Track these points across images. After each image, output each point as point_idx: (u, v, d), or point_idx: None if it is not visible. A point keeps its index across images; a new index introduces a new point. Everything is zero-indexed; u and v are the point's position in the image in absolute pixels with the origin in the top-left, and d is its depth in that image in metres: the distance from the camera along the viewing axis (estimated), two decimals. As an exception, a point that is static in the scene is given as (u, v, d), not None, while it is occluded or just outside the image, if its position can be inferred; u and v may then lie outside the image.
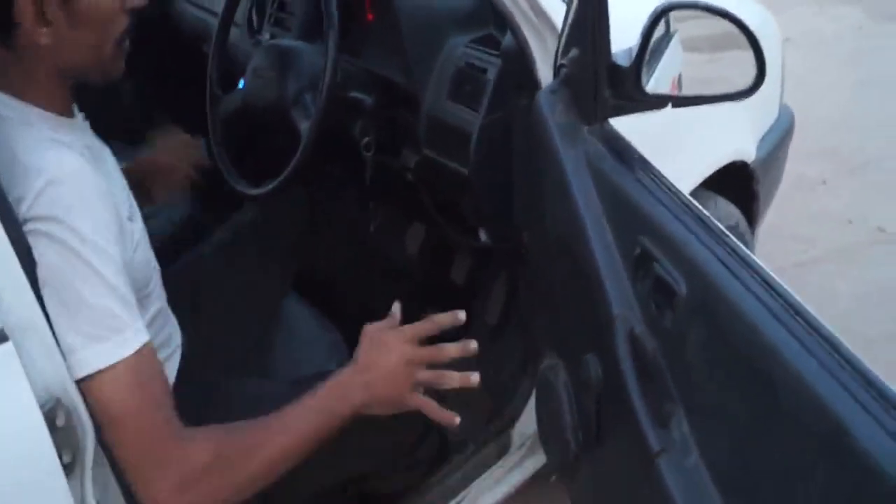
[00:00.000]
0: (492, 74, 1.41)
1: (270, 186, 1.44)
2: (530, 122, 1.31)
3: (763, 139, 2.07)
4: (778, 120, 2.17)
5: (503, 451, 1.67)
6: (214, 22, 2.00)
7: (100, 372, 0.91)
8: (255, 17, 1.81)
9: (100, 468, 0.92)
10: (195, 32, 2.16)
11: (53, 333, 0.85)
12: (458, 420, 1.15)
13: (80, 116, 1.12)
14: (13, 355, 0.81)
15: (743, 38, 1.19)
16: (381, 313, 1.20)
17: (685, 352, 1.03)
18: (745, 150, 1.96)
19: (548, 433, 1.47)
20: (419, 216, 2.01)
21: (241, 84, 1.60)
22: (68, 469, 0.86)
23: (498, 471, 1.66)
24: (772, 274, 0.96)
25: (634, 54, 1.19)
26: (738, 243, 1.03)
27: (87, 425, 0.87)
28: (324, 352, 1.55)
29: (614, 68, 1.21)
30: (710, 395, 1.03)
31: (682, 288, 1.02)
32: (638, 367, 1.11)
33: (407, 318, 1.20)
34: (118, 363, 0.92)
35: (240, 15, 1.78)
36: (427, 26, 1.50)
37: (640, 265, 1.11)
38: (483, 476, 1.64)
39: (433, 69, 1.49)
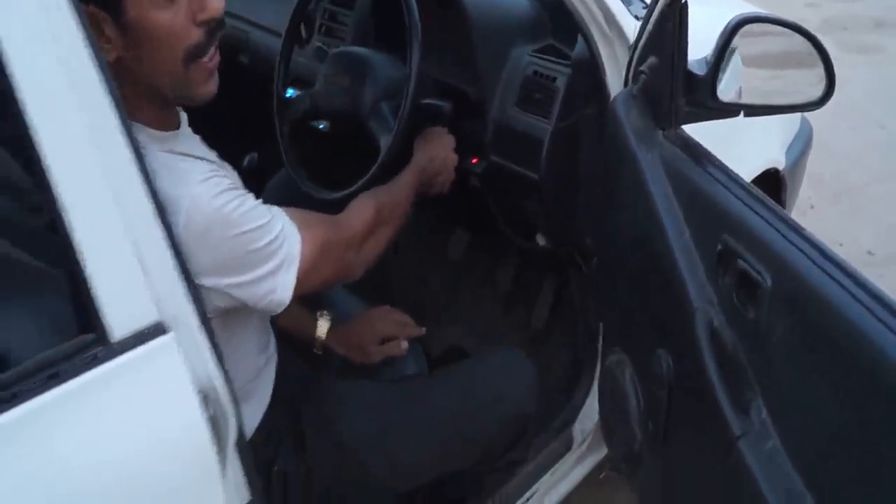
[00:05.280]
0: (561, 83, 1.47)
1: (345, 192, 1.45)
2: (604, 127, 1.36)
3: (789, 148, 2.15)
4: (800, 130, 2.25)
5: (567, 447, 1.71)
6: (251, 30, 2.03)
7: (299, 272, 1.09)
8: (303, 28, 1.83)
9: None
10: (229, 43, 2.14)
11: (204, 326, 0.88)
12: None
13: (185, 128, 1.13)
14: (174, 346, 0.84)
15: (803, 57, 1.25)
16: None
17: (768, 342, 1.08)
18: (778, 158, 2.03)
19: (612, 426, 1.52)
20: (464, 222, 2.04)
21: (289, 92, 1.61)
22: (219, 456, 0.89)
23: (563, 467, 1.70)
24: (853, 265, 1.01)
25: (710, 63, 1.25)
26: (817, 238, 1.08)
27: (228, 413, 0.90)
28: None
29: (690, 76, 1.26)
30: (794, 383, 1.07)
31: (767, 281, 1.07)
32: (717, 358, 1.16)
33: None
34: (300, 231, 1.11)
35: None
36: (495, 36, 1.54)
37: (721, 261, 1.15)
38: (550, 471, 1.68)
39: (500, 78, 1.54)
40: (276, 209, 1.09)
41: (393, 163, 1.43)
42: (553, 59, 1.51)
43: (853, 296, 0.96)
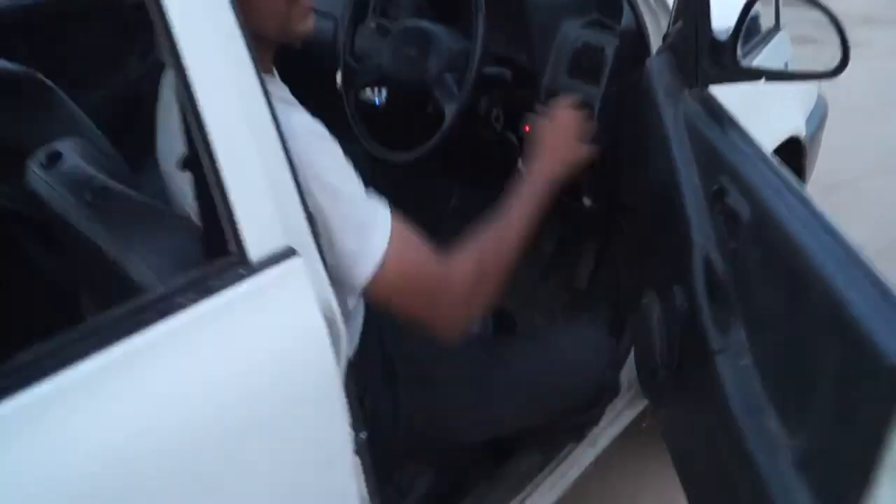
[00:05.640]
0: (609, 51, 1.62)
1: (412, 154, 1.61)
2: (641, 87, 1.53)
3: (808, 119, 2.31)
4: (817, 104, 2.41)
5: (610, 397, 1.82)
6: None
7: (383, 258, 1.12)
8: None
9: None
10: None
11: (320, 254, 1.02)
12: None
13: (275, 74, 1.22)
14: (303, 269, 0.98)
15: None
16: None
17: (745, 269, 1.25)
18: (800, 127, 2.19)
19: (641, 361, 1.69)
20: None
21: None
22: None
23: (611, 413, 1.84)
24: (813, 199, 1.18)
25: (732, 30, 1.41)
26: (792, 175, 1.25)
27: (342, 338, 1.04)
28: None
29: (714, 42, 1.43)
30: (762, 304, 1.24)
31: (746, 214, 1.24)
32: (709, 286, 1.34)
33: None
34: (391, 238, 1.12)
35: (338, 8, 1.95)
36: (547, 11, 1.70)
37: (716, 198, 1.33)
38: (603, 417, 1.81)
39: (551, 48, 1.70)
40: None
41: (455, 130, 1.57)
42: (600, 30, 1.68)
43: (804, 223, 1.14)
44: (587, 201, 1.79)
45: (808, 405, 1.10)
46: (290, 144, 0.98)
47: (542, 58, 1.71)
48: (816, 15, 1.39)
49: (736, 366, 1.25)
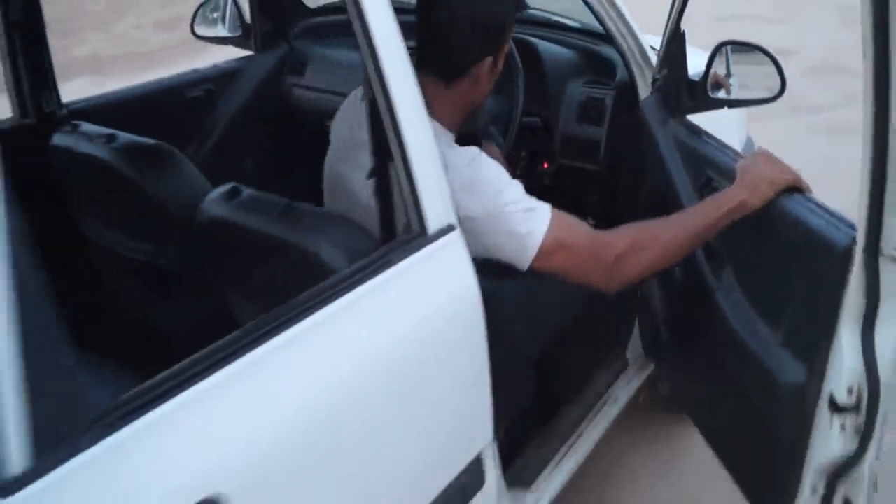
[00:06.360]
0: (608, 101, 2.16)
1: None
2: (637, 120, 2.05)
3: (745, 145, 2.88)
4: (748, 137, 2.99)
5: (622, 369, 2.32)
6: (333, 98, 2.55)
7: (548, 233, 1.47)
8: None
9: None
10: (318, 111, 2.72)
11: (460, 230, 1.44)
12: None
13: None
14: (459, 238, 1.41)
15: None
16: None
17: (729, 230, 1.65)
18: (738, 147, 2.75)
19: (645, 329, 2.18)
20: None
21: None
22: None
23: (620, 383, 2.29)
24: None
25: (702, 73, 1.95)
26: None
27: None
28: None
29: (690, 82, 1.96)
30: (743, 250, 1.71)
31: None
32: (705, 251, 1.81)
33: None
34: (551, 222, 1.47)
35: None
36: (558, 76, 2.25)
37: (704, 186, 1.82)
38: (612, 387, 2.27)
39: (562, 103, 2.23)
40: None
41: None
42: (599, 87, 2.22)
43: None
44: (591, 221, 2.21)
45: (785, 306, 1.56)
46: (457, 165, 1.46)
47: (556, 110, 2.23)
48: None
49: (729, 297, 1.72)
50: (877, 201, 1.27)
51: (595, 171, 2.21)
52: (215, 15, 3.02)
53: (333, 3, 3.12)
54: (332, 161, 1.74)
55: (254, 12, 2.90)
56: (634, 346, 2.33)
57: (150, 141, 1.97)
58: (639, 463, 2.60)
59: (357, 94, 1.73)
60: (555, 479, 1.97)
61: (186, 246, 1.78)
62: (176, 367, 1.03)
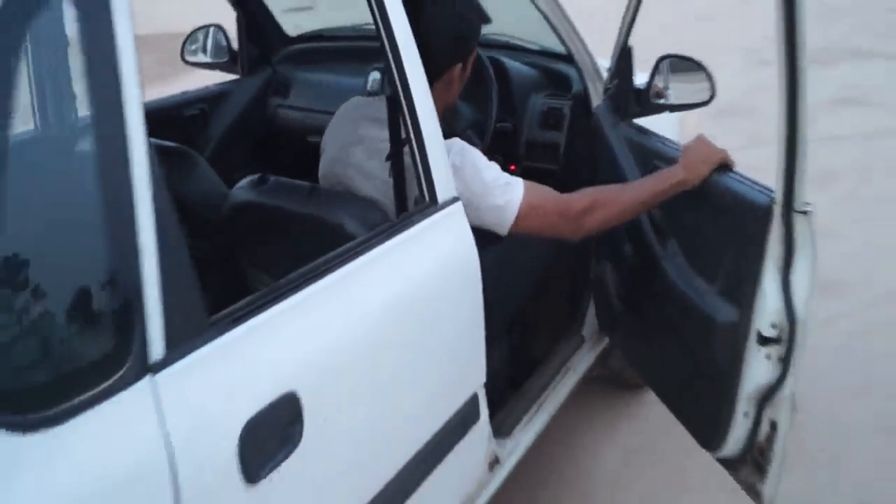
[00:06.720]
0: (566, 110, 2.54)
1: None
2: (592, 125, 2.42)
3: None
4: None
5: (579, 344, 2.65)
6: (318, 117, 2.88)
7: (523, 201, 1.79)
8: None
9: None
10: (301, 127, 3.06)
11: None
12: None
13: None
14: (461, 208, 1.74)
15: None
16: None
17: (672, 206, 2.03)
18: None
19: (600, 307, 2.52)
20: None
21: None
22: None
23: (576, 358, 2.60)
24: None
25: (646, 82, 2.33)
26: None
27: None
28: None
29: (637, 90, 2.34)
30: (684, 222, 2.07)
31: None
32: (652, 227, 2.16)
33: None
34: (524, 192, 1.80)
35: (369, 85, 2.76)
36: (524, 89, 2.62)
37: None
38: (571, 359, 2.58)
39: (526, 112, 2.60)
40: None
41: None
42: (557, 98, 2.59)
43: None
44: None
45: (719, 261, 1.90)
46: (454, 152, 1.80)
47: (521, 118, 2.61)
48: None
49: (674, 262, 2.08)
50: (790, 168, 1.64)
51: (554, 171, 2.57)
52: (194, 47, 3.33)
53: (310, 32, 3.47)
54: (327, 166, 2.02)
55: (241, 40, 3.21)
56: (590, 326, 2.67)
57: (172, 144, 2.24)
58: (598, 420, 2.98)
59: (348, 106, 2.05)
60: (529, 430, 2.28)
61: (216, 236, 2.03)
62: (261, 291, 1.32)
